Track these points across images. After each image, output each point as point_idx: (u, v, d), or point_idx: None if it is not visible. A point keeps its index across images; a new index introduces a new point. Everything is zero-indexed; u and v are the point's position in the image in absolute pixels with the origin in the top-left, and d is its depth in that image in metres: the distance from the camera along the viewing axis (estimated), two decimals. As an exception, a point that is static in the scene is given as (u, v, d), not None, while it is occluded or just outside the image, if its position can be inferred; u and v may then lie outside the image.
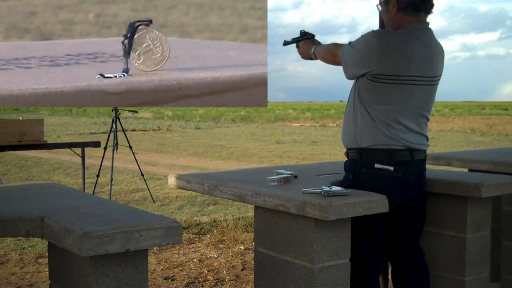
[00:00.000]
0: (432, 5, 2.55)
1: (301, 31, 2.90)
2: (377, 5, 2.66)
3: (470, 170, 3.41)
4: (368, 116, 2.49)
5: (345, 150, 2.65)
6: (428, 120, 2.61)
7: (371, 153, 2.49)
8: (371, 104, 2.48)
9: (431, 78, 2.53)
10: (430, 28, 2.57)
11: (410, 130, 2.51)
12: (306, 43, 2.86)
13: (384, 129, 2.47)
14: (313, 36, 2.87)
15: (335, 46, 2.66)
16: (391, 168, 2.46)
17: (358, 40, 2.51)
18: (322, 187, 2.23)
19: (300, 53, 2.89)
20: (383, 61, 2.42)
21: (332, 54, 2.67)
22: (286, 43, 2.93)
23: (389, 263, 3.00)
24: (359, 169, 2.52)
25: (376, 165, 2.47)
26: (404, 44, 2.46)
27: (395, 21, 2.56)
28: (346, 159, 2.65)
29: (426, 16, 2.56)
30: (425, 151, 2.60)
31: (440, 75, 2.60)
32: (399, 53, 2.44)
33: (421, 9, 2.52)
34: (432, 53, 2.51)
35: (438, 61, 2.55)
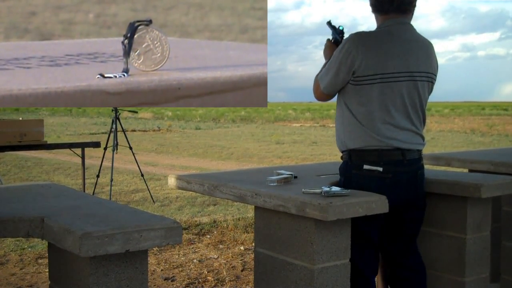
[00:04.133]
0: (408, 3, 2.49)
1: (341, 29, 2.75)
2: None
3: (470, 171, 3.41)
4: (354, 118, 2.48)
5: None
6: (423, 117, 2.57)
7: (360, 154, 2.48)
8: (355, 106, 2.47)
9: (413, 73, 2.47)
10: (409, 24, 2.54)
11: (400, 128, 2.47)
12: (329, 49, 2.73)
13: (370, 130, 2.45)
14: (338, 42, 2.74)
15: (317, 83, 2.60)
16: (380, 169, 2.44)
17: (332, 59, 2.50)
18: (322, 187, 2.23)
19: (323, 51, 2.81)
20: (363, 62, 2.40)
21: (316, 90, 2.62)
22: (330, 25, 2.78)
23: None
24: (349, 171, 2.51)
25: (365, 166, 2.45)
26: (380, 41, 2.45)
27: (376, 20, 2.57)
28: None
29: (401, 15, 2.51)
30: (419, 150, 2.56)
31: (426, 71, 2.53)
32: (376, 50, 2.42)
33: (390, 10, 2.49)
34: (409, 47, 2.48)
35: (419, 55, 2.50)
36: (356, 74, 2.42)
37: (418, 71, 2.50)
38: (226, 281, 4.11)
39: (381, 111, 2.45)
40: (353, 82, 2.45)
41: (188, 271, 4.38)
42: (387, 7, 2.50)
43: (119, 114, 7.44)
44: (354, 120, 2.47)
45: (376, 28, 2.54)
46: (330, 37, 2.77)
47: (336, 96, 2.60)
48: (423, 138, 2.58)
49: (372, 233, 2.55)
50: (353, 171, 2.49)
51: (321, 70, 2.64)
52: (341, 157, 2.62)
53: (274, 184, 2.47)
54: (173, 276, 4.26)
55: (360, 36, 2.48)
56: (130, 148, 7.55)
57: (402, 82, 2.45)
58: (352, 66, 2.42)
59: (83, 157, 6.58)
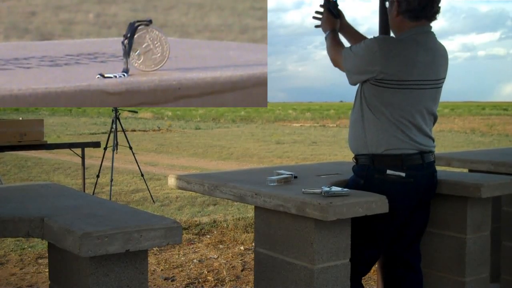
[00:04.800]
0: (435, 12, 2.52)
1: (335, 1, 2.80)
2: (386, 2, 2.65)
3: (470, 171, 3.41)
4: (378, 121, 2.48)
5: (350, 153, 2.64)
6: (434, 121, 2.62)
7: (383, 159, 2.48)
8: (379, 109, 2.47)
9: (434, 81, 2.52)
10: (432, 32, 2.56)
11: (420, 132, 2.51)
12: (328, 21, 2.79)
13: (395, 132, 2.46)
14: (337, 16, 2.80)
15: (338, 51, 2.64)
16: (403, 174, 2.46)
17: (359, 45, 2.51)
18: (322, 187, 2.23)
19: (320, 24, 2.85)
20: (386, 66, 2.42)
21: (334, 58, 2.66)
22: None
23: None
24: (372, 175, 2.50)
25: (388, 171, 2.47)
26: (406, 49, 2.45)
27: (396, 23, 2.56)
28: (347, 160, 2.65)
29: (428, 22, 2.54)
30: (433, 153, 2.60)
31: (444, 77, 2.59)
32: (401, 58, 2.43)
33: (420, 17, 2.50)
34: (434, 56, 2.51)
35: (440, 64, 2.55)
36: (379, 76, 2.43)
37: (438, 79, 2.54)
38: (226, 281, 4.11)
39: (404, 116, 2.46)
40: (375, 83, 2.45)
41: (188, 271, 4.38)
42: (419, 14, 2.50)
43: (119, 114, 7.44)
44: (378, 123, 2.48)
45: (401, 35, 2.54)
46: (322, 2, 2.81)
47: (354, 100, 2.61)
48: (433, 140, 2.61)
49: (384, 235, 2.56)
50: (375, 175, 2.49)
51: (331, 44, 2.70)
52: (355, 159, 2.61)
53: (274, 184, 2.47)
54: (173, 276, 4.26)
55: (386, 41, 2.52)
56: (130, 148, 7.55)
57: (424, 90, 2.49)
58: (370, 65, 2.44)
59: (83, 157, 6.57)
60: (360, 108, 2.55)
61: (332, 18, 2.80)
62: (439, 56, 2.54)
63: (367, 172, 2.52)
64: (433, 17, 2.54)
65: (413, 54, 2.45)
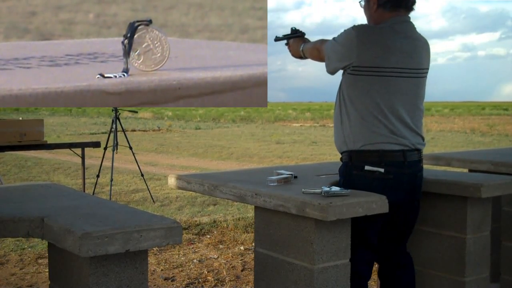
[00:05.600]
0: (413, 2, 2.55)
1: (292, 28, 2.90)
2: (359, 2, 2.66)
3: (470, 171, 3.41)
4: (354, 114, 2.46)
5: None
6: (421, 116, 2.58)
7: (361, 155, 2.46)
8: (356, 101, 2.46)
9: (415, 71, 2.50)
10: (411, 22, 2.56)
11: (404, 126, 2.47)
12: (296, 41, 2.86)
13: (371, 125, 2.43)
14: (303, 34, 2.87)
15: (321, 41, 2.68)
16: (382, 170, 2.43)
17: (340, 34, 2.52)
18: (322, 187, 2.23)
19: (290, 51, 2.90)
20: (362, 53, 2.41)
21: (317, 50, 2.69)
22: (277, 39, 2.95)
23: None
24: (350, 172, 2.49)
25: (366, 167, 2.45)
26: (384, 36, 2.46)
27: (375, 17, 2.56)
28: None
29: (407, 13, 2.55)
30: (419, 151, 2.54)
31: (427, 68, 2.57)
32: (379, 45, 2.43)
33: (401, 6, 2.52)
34: (414, 45, 2.50)
35: (421, 53, 2.53)
36: (355, 63, 2.43)
37: (419, 68, 2.52)
38: (226, 281, 4.11)
39: (382, 105, 2.44)
40: (352, 72, 2.44)
41: (188, 271, 4.38)
42: (399, 4, 2.52)
43: (119, 114, 7.44)
44: (355, 116, 2.46)
45: (380, 24, 2.54)
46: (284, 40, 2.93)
47: (336, 97, 2.60)
48: (422, 138, 2.57)
49: (373, 234, 2.55)
50: (353, 172, 2.48)
51: (310, 46, 2.75)
52: (341, 159, 2.61)
53: (274, 184, 2.47)
54: (173, 276, 4.26)
55: (364, 29, 2.51)
56: (130, 148, 7.55)
57: (403, 79, 2.46)
58: (349, 51, 2.44)
59: (83, 157, 6.58)
60: (339, 104, 2.54)
61: (298, 38, 2.87)
62: (420, 46, 2.53)
63: (345, 169, 2.52)
64: (411, 7, 2.55)
65: (391, 41, 2.45)
